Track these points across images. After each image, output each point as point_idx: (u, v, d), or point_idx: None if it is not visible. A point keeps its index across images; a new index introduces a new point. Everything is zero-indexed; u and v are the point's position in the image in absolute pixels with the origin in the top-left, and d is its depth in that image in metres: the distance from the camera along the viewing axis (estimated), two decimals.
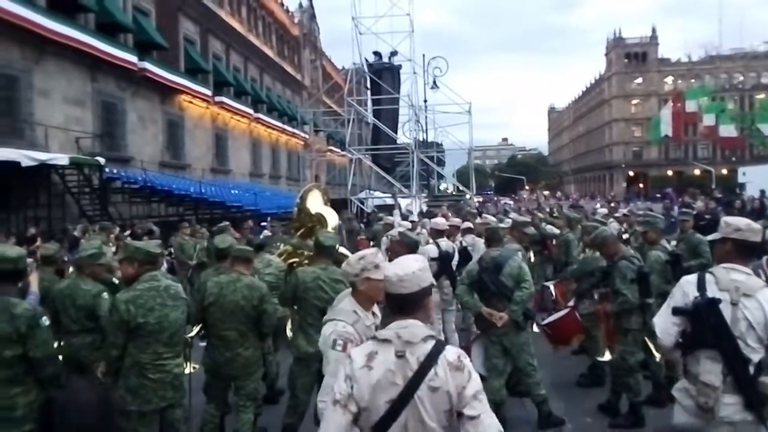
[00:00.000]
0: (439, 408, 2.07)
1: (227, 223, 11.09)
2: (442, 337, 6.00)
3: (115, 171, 18.12)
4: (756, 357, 2.90)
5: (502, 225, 6.96)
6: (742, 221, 3.16)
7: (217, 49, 29.66)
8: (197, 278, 8.21)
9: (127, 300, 3.64)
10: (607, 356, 5.67)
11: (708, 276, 3.04)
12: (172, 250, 10.40)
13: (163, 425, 3.82)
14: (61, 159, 14.99)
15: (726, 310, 2.92)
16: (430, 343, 2.11)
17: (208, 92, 26.71)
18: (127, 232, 11.23)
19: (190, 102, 25.59)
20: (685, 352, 3.09)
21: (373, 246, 9.74)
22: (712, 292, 2.97)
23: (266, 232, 11.20)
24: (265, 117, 34.50)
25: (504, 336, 5.10)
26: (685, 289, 3.08)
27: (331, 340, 2.85)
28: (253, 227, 13.35)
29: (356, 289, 3.02)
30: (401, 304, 2.18)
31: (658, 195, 42.22)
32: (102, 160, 16.86)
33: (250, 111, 32.03)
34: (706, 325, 2.94)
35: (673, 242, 6.92)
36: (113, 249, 7.34)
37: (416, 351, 2.09)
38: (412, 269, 2.17)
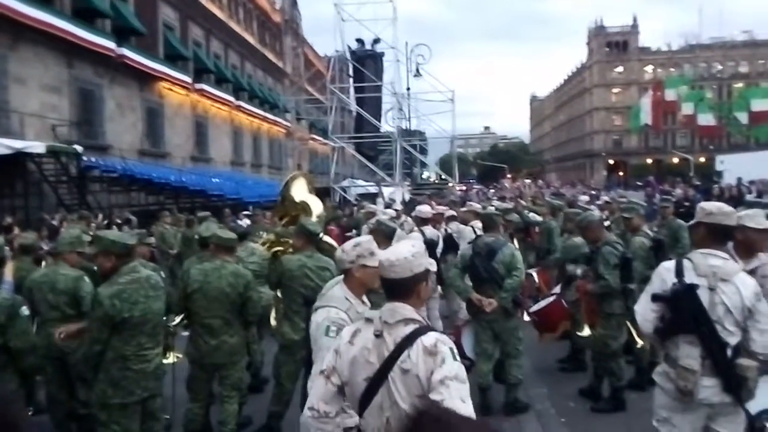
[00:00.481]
0: (411, 391, 2.07)
1: (208, 213, 11.02)
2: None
3: (93, 159, 17.80)
4: (733, 340, 2.95)
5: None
6: (714, 205, 3.21)
7: (197, 35, 29.21)
8: (178, 267, 8.14)
9: (111, 295, 3.54)
10: (586, 332, 5.74)
11: (686, 262, 3.08)
12: (153, 239, 10.28)
13: (144, 415, 3.79)
14: (38, 147, 14.68)
15: (704, 295, 2.97)
16: (411, 326, 2.13)
17: (188, 79, 26.32)
18: (105, 222, 11.08)
19: (170, 89, 25.21)
20: (665, 337, 3.14)
21: (356, 235, 9.75)
22: (689, 278, 3.01)
23: (246, 221, 11.12)
24: (247, 105, 34.14)
25: (494, 322, 5.16)
26: (664, 275, 3.13)
27: (325, 326, 2.84)
28: (231, 216, 13.26)
29: (349, 276, 2.99)
30: (393, 289, 2.20)
31: (639, 183, 42.78)
32: (80, 149, 16.55)
33: (231, 98, 31.67)
34: (684, 311, 2.99)
35: (654, 228, 7.03)
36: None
37: (394, 332, 2.12)
38: (404, 255, 2.18)
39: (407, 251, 2.20)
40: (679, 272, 3.06)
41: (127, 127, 21.91)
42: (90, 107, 19.63)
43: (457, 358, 2.10)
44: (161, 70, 23.55)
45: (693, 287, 2.98)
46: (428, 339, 2.09)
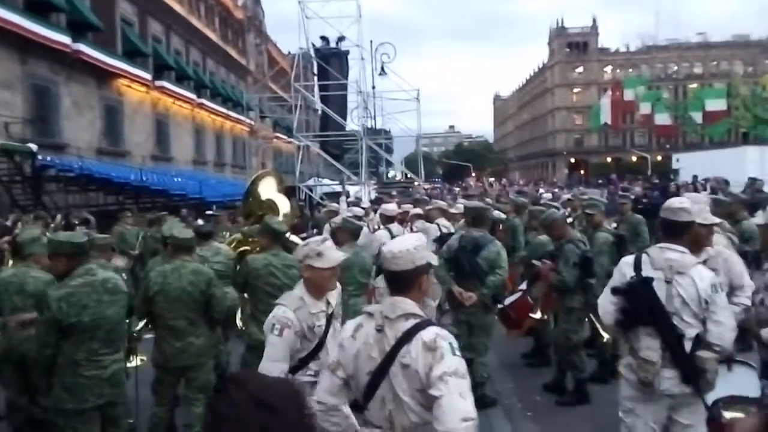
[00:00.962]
0: (412, 385, 2.10)
1: (165, 212, 10.81)
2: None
3: (48, 158, 17.21)
4: (692, 332, 3.03)
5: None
6: (671, 201, 3.32)
7: (156, 31, 28.57)
8: (140, 269, 7.95)
9: (59, 297, 3.42)
10: (538, 314, 5.84)
11: (644, 256, 3.18)
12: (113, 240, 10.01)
13: (105, 422, 3.67)
14: None
15: (660, 288, 3.05)
16: (411, 321, 2.15)
17: (148, 76, 25.73)
18: (63, 222, 10.74)
19: (129, 86, 24.60)
20: (625, 329, 3.23)
21: (316, 234, 9.68)
22: (646, 271, 3.10)
23: (198, 221, 10.94)
24: (209, 102, 33.58)
25: (472, 315, 5.22)
26: (623, 269, 3.23)
27: (270, 324, 2.88)
28: (190, 215, 13.01)
29: (304, 276, 3.01)
30: (395, 281, 2.23)
31: (600, 181, 43.73)
32: (34, 147, 16.00)
33: (193, 96, 31.10)
34: (640, 303, 3.08)
35: (614, 224, 7.19)
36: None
37: (395, 327, 2.16)
38: (407, 247, 2.21)
39: (410, 243, 2.23)
40: (637, 266, 3.15)
41: (84, 125, 21.30)
42: (45, 104, 19.01)
43: (457, 353, 2.10)
44: (119, 66, 22.97)
45: (648, 280, 3.07)
46: (428, 334, 2.11)
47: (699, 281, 3.02)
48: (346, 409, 2.30)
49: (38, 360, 3.52)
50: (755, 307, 3.23)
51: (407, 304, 2.19)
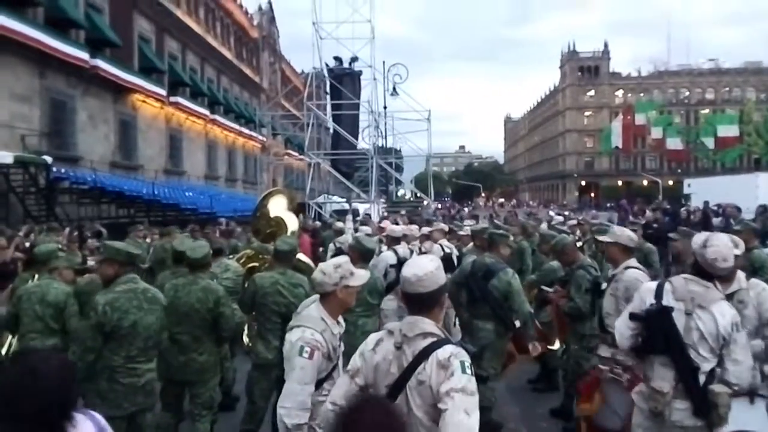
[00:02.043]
0: (426, 401, 2.17)
1: (175, 226, 10.88)
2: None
3: (63, 170, 17.47)
4: (707, 366, 2.99)
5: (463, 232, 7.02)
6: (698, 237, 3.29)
7: (172, 48, 29.04)
8: (151, 282, 7.98)
9: (105, 302, 3.58)
10: (557, 345, 5.79)
11: (667, 285, 3.13)
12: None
13: (131, 430, 3.73)
14: (6, 157, 14.41)
15: (680, 319, 3.01)
16: (429, 340, 2.22)
17: (163, 92, 26.11)
18: (75, 234, 10.84)
19: (144, 101, 24.95)
20: (642, 356, 3.20)
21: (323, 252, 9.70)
22: (667, 300, 3.06)
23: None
24: (222, 119, 33.96)
25: (485, 339, 5.20)
26: (644, 296, 3.18)
27: (299, 346, 2.81)
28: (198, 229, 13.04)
29: (330, 297, 2.95)
30: (420, 303, 2.28)
31: (609, 204, 43.52)
32: (49, 159, 16.24)
33: (206, 112, 31.47)
34: (657, 332, 3.04)
35: None
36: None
37: (413, 345, 2.23)
38: (430, 269, 2.26)
39: (431, 265, 2.28)
40: (658, 294, 3.11)
41: (99, 138, 21.58)
42: (61, 118, 19.31)
43: (468, 371, 2.13)
44: (135, 82, 23.33)
45: (668, 309, 3.03)
46: (443, 353, 2.16)
47: (720, 317, 2.97)
48: None
49: (78, 366, 3.55)
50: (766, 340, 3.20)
51: (426, 324, 2.25)
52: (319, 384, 2.94)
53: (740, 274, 3.97)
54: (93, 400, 3.55)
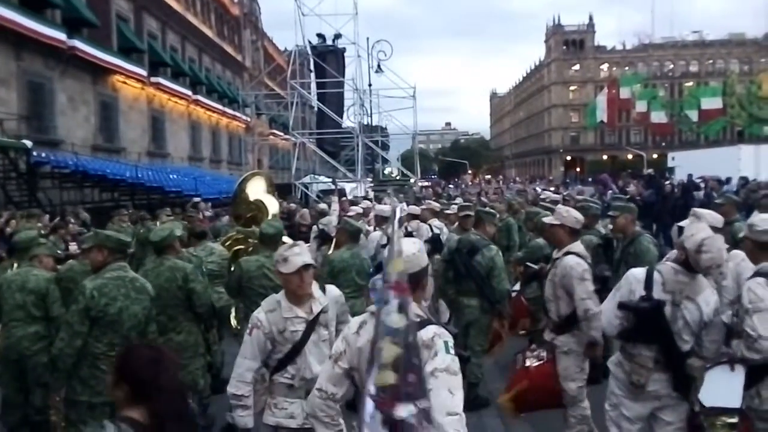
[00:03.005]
0: None
1: (144, 213, 10.82)
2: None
3: (43, 155, 17.16)
4: (686, 347, 3.12)
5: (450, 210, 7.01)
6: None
7: (152, 27, 28.47)
8: (134, 268, 7.93)
9: (93, 287, 3.58)
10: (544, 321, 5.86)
11: (656, 275, 3.13)
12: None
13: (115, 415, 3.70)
14: None
15: (667, 309, 3.10)
16: None
17: (144, 72, 25.65)
18: (56, 219, 10.71)
19: (124, 82, 24.52)
20: (627, 339, 3.29)
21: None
22: (657, 293, 3.09)
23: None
24: (205, 99, 33.50)
25: (470, 316, 5.32)
26: (633, 286, 3.20)
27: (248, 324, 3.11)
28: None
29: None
30: None
31: (590, 179, 43.80)
32: (29, 143, 15.94)
33: (189, 92, 31.01)
34: (648, 325, 3.12)
35: (610, 226, 7.14)
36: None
37: None
38: (413, 251, 2.32)
39: (414, 248, 2.35)
40: (648, 285, 3.12)
41: (79, 121, 21.23)
42: (40, 101, 18.94)
43: (451, 351, 2.16)
44: (115, 62, 22.89)
45: (661, 305, 3.07)
46: (426, 333, 2.17)
47: (704, 306, 3.07)
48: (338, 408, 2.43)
49: (64, 352, 3.54)
50: (731, 319, 3.28)
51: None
52: (281, 365, 3.07)
53: None
54: (74, 386, 3.54)
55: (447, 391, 2.07)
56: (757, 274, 3.16)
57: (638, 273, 3.26)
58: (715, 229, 3.98)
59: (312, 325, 3.07)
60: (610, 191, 16.38)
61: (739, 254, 3.99)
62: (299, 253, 3.05)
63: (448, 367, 2.12)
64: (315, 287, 3.14)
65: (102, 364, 3.58)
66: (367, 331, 2.30)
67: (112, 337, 3.62)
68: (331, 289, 3.22)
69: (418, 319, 2.22)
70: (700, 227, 3.11)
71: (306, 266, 3.01)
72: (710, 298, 3.11)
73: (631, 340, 3.21)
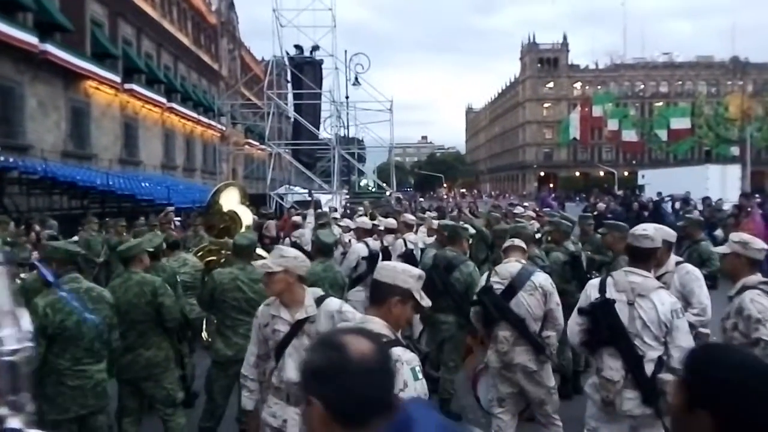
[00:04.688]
0: None
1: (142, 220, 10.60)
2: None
3: (11, 160, 16.76)
4: (653, 354, 3.11)
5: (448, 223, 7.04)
6: (635, 228, 3.46)
7: (127, 33, 28.17)
8: (104, 277, 7.78)
9: (45, 304, 3.45)
10: None
11: (609, 279, 3.30)
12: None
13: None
14: None
15: (623, 309, 3.16)
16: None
17: (117, 79, 25.32)
18: (22, 227, 10.46)
19: (97, 88, 24.16)
20: (591, 349, 3.34)
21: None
22: (610, 293, 3.21)
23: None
24: (179, 107, 33.20)
25: (446, 333, 5.31)
26: (588, 291, 3.35)
27: None
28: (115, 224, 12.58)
29: None
30: (372, 292, 2.44)
31: (567, 195, 44.47)
32: None
33: (163, 100, 30.70)
34: (601, 324, 3.19)
35: (578, 243, 7.22)
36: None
37: None
38: (396, 266, 2.45)
39: (402, 267, 2.42)
40: (602, 288, 3.27)
41: (49, 126, 20.83)
42: (9, 104, 18.55)
43: (419, 376, 2.13)
44: (87, 68, 22.58)
45: (609, 301, 3.18)
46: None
47: (660, 305, 3.11)
48: None
49: None
50: (727, 331, 3.32)
51: (375, 324, 2.23)
52: (267, 358, 3.20)
53: (671, 260, 4.22)
54: (41, 406, 3.44)
55: None
56: (745, 288, 3.24)
57: (594, 280, 3.44)
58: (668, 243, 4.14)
59: (294, 330, 3.06)
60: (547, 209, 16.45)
61: (686, 266, 4.18)
62: (264, 262, 3.22)
63: (419, 395, 2.10)
64: (308, 297, 3.12)
65: (67, 380, 3.49)
66: None
67: (75, 352, 3.52)
68: (329, 302, 3.12)
69: (384, 339, 2.18)
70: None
71: (267, 273, 3.10)
72: (665, 298, 3.16)
73: (594, 346, 3.26)
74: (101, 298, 3.70)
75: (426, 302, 2.39)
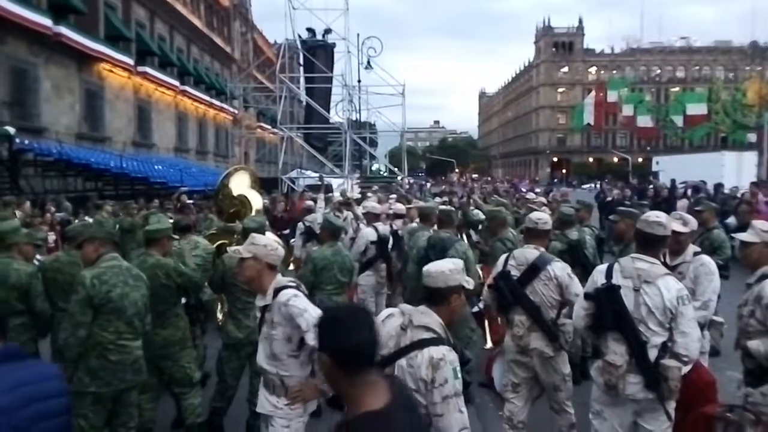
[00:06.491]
0: (408, 381, 2.41)
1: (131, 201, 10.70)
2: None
3: (26, 142, 16.97)
4: (657, 339, 3.13)
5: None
6: (647, 215, 3.45)
7: (140, 16, 28.17)
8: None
9: (93, 276, 3.56)
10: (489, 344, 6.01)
11: (616, 265, 3.32)
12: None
13: (118, 406, 3.72)
14: None
15: (628, 295, 3.18)
16: (428, 335, 2.46)
17: (131, 61, 25.40)
18: (36, 208, 10.59)
19: (111, 71, 24.25)
20: (597, 333, 3.36)
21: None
22: (616, 279, 3.24)
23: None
24: (192, 90, 33.25)
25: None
26: (595, 277, 3.37)
27: None
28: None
29: None
30: (427, 295, 2.60)
31: (573, 182, 43.99)
32: (12, 130, 15.74)
33: (176, 83, 30.76)
34: (606, 309, 3.22)
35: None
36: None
37: (414, 333, 2.48)
38: (442, 269, 2.58)
39: (446, 267, 2.60)
40: (608, 274, 3.29)
41: (64, 109, 20.98)
42: (24, 87, 18.68)
43: (459, 375, 2.41)
44: (101, 50, 22.65)
45: (615, 287, 3.21)
46: (437, 352, 2.40)
47: (665, 291, 3.11)
48: None
49: (69, 343, 3.52)
50: (743, 318, 3.33)
51: (431, 319, 2.49)
52: None
53: (689, 250, 4.23)
54: (82, 378, 3.52)
55: (458, 412, 2.38)
56: (765, 276, 3.27)
57: (601, 266, 3.46)
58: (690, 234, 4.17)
59: (261, 317, 3.16)
60: (518, 195, 16.29)
61: (702, 258, 4.18)
62: (236, 248, 3.32)
63: (457, 392, 2.38)
64: (271, 285, 3.12)
65: (110, 355, 3.56)
66: (390, 324, 2.56)
67: (118, 326, 3.60)
68: (282, 294, 3.07)
69: (434, 336, 2.44)
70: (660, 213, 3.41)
71: (239, 259, 3.21)
72: (671, 284, 3.16)
73: (599, 330, 3.29)
74: (140, 277, 3.81)
75: (470, 284, 2.63)
